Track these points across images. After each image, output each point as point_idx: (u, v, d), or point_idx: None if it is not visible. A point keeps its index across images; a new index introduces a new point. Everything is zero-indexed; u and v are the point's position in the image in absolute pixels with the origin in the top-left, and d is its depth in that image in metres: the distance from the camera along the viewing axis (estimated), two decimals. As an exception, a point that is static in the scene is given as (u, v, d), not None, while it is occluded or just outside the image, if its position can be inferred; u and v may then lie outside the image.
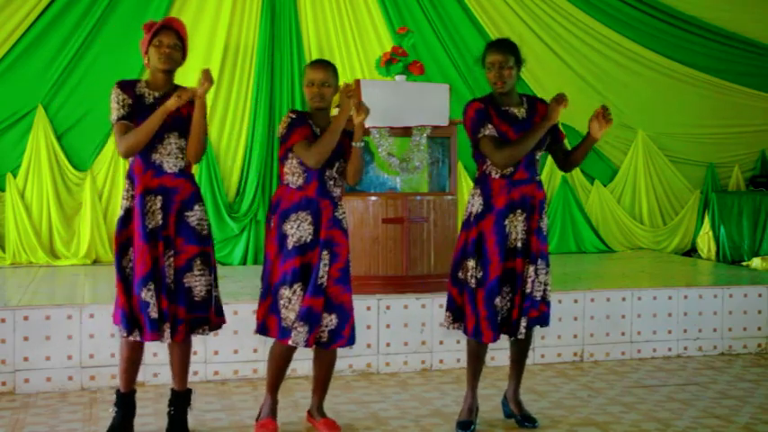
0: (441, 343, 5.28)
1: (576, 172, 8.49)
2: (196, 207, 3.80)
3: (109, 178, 7.38)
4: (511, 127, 3.92)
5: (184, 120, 3.76)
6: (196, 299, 3.78)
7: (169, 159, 3.74)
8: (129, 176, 3.77)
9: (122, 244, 3.74)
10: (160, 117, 3.64)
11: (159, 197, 3.72)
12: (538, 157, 4.01)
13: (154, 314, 3.66)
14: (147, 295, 3.66)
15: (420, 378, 5.13)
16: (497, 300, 3.89)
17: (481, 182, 3.98)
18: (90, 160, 7.38)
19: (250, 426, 4.08)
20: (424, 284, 5.49)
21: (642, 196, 8.68)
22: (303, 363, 4.76)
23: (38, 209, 7.28)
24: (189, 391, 3.96)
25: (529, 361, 5.33)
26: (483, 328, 3.88)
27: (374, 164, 5.84)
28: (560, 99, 3.89)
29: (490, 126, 3.90)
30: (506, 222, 3.91)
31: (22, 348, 4.71)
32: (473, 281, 3.90)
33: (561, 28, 8.42)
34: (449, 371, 5.26)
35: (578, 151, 4.04)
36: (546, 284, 4.00)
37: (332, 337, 3.86)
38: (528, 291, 3.89)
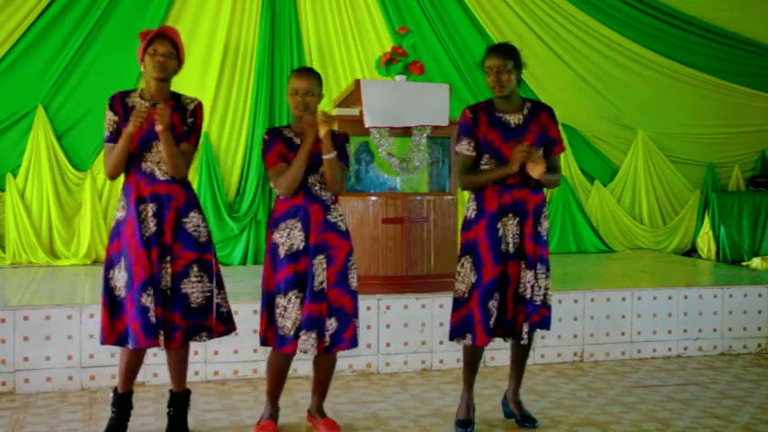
0: (441, 343, 5.28)
1: (576, 172, 8.50)
2: (192, 214, 3.79)
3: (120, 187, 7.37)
4: (499, 135, 3.91)
5: (173, 127, 3.75)
6: (192, 306, 3.76)
7: (161, 167, 3.74)
8: (124, 188, 3.80)
9: (112, 256, 3.75)
10: (125, 140, 3.67)
11: (152, 205, 3.72)
12: None
13: (153, 319, 3.65)
14: (147, 300, 3.64)
15: (420, 378, 5.13)
16: (491, 303, 3.89)
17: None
18: (90, 160, 7.39)
19: (250, 426, 4.07)
20: (424, 284, 5.49)
21: (642, 196, 8.68)
22: (303, 363, 4.76)
23: (38, 209, 7.28)
24: (187, 392, 3.96)
25: (529, 361, 5.32)
26: (477, 331, 3.88)
27: (374, 164, 5.84)
28: (526, 151, 3.78)
29: (466, 143, 3.95)
30: (499, 226, 3.91)
31: (22, 348, 4.71)
32: (467, 284, 3.91)
33: (561, 28, 8.42)
34: (449, 371, 5.26)
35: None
36: (547, 288, 4.00)
37: (333, 342, 3.84)
38: (528, 296, 3.89)
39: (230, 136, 7.66)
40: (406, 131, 5.63)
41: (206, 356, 4.96)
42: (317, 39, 7.89)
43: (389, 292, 5.39)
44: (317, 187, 3.84)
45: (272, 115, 7.67)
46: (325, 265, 3.80)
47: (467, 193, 4.17)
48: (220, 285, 3.91)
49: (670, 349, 5.75)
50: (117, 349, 4.26)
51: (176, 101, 3.83)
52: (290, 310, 3.76)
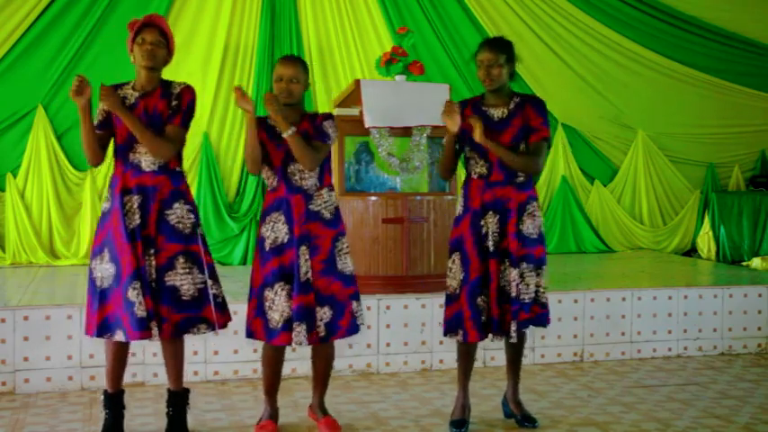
0: (441, 343, 5.28)
1: (576, 172, 8.50)
2: (176, 205, 3.75)
3: (109, 178, 7.36)
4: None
5: (159, 117, 3.74)
6: (184, 298, 3.73)
7: (147, 157, 3.73)
8: (111, 179, 3.81)
9: (95, 247, 3.75)
10: (82, 118, 3.76)
11: (137, 196, 3.70)
12: None
13: (141, 313, 3.62)
14: (133, 294, 3.62)
15: (420, 378, 5.13)
16: (479, 299, 3.90)
17: (464, 183, 4.05)
18: (90, 160, 7.38)
19: (250, 426, 4.07)
20: (424, 284, 5.49)
21: (642, 196, 8.68)
22: (302, 362, 4.76)
23: (38, 209, 7.29)
24: (186, 391, 3.95)
25: (529, 361, 5.35)
26: (467, 328, 3.90)
27: (374, 164, 5.84)
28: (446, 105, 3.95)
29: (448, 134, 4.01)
30: (482, 223, 3.92)
31: (22, 348, 4.71)
32: (458, 280, 3.93)
33: (561, 28, 8.42)
34: (449, 371, 5.26)
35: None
36: (538, 286, 3.96)
37: (329, 330, 3.83)
38: (513, 294, 3.88)
39: (230, 136, 7.66)
40: (406, 131, 5.63)
41: (206, 356, 4.96)
42: (317, 39, 7.90)
43: (389, 292, 5.39)
44: (296, 177, 3.84)
45: (272, 115, 7.66)
46: (308, 256, 3.80)
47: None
48: (213, 276, 3.87)
49: (670, 349, 5.75)
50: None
51: (165, 88, 3.80)
52: (277, 302, 3.77)
